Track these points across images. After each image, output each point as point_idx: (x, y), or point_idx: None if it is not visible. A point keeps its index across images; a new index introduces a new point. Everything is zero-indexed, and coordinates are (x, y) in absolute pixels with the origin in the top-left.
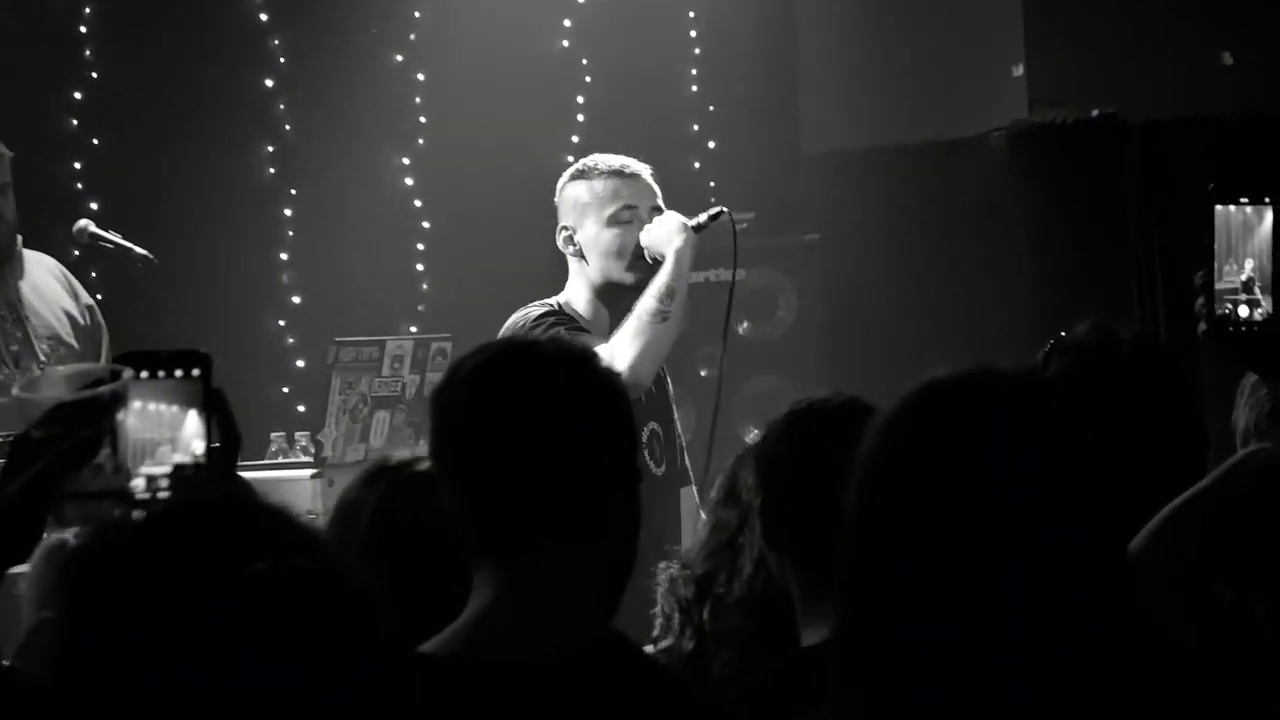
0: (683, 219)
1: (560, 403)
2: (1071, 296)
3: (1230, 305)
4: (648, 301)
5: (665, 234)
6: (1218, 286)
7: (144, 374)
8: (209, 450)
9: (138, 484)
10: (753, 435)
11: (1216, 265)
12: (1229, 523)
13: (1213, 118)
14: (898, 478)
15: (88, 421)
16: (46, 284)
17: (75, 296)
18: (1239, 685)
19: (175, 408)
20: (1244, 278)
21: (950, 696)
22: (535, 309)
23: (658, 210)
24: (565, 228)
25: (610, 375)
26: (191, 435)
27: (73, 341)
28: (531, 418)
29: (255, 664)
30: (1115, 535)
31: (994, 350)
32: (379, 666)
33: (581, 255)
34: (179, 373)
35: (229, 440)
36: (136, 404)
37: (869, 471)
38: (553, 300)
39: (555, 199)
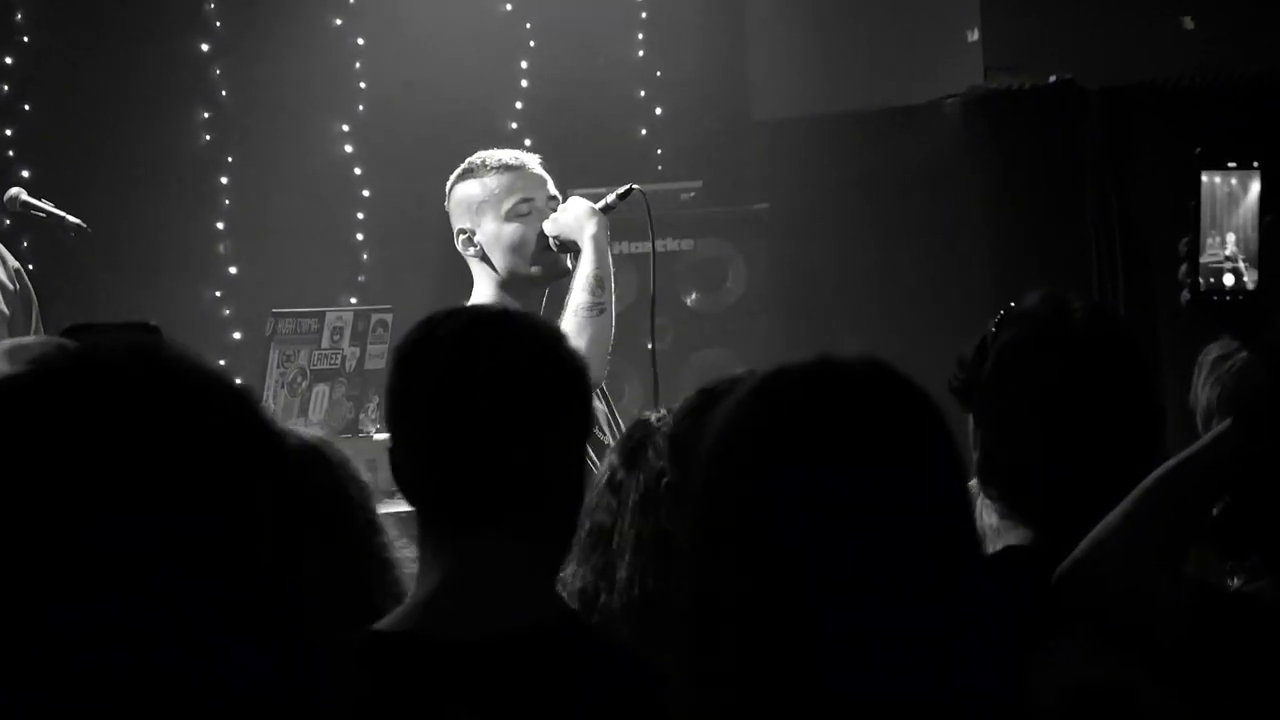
0: (589, 203)
1: (533, 376)
2: (1028, 267)
3: (1213, 275)
4: (580, 296)
5: (575, 221)
6: (1200, 261)
7: None
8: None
9: None
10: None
11: (1201, 233)
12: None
13: (1173, 84)
14: (741, 472)
15: None
16: None
17: (2, 261)
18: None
19: None
20: (1228, 251)
21: (879, 687)
22: None
23: (554, 200)
24: (463, 230)
25: (575, 352)
26: None
27: (2, 307)
28: (503, 390)
29: (153, 634)
30: (964, 530)
31: (948, 322)
32: (290, 642)
33: (483, 256)
34: None
35: None
36: None
37: (712, 464)
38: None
39: (445, 204)
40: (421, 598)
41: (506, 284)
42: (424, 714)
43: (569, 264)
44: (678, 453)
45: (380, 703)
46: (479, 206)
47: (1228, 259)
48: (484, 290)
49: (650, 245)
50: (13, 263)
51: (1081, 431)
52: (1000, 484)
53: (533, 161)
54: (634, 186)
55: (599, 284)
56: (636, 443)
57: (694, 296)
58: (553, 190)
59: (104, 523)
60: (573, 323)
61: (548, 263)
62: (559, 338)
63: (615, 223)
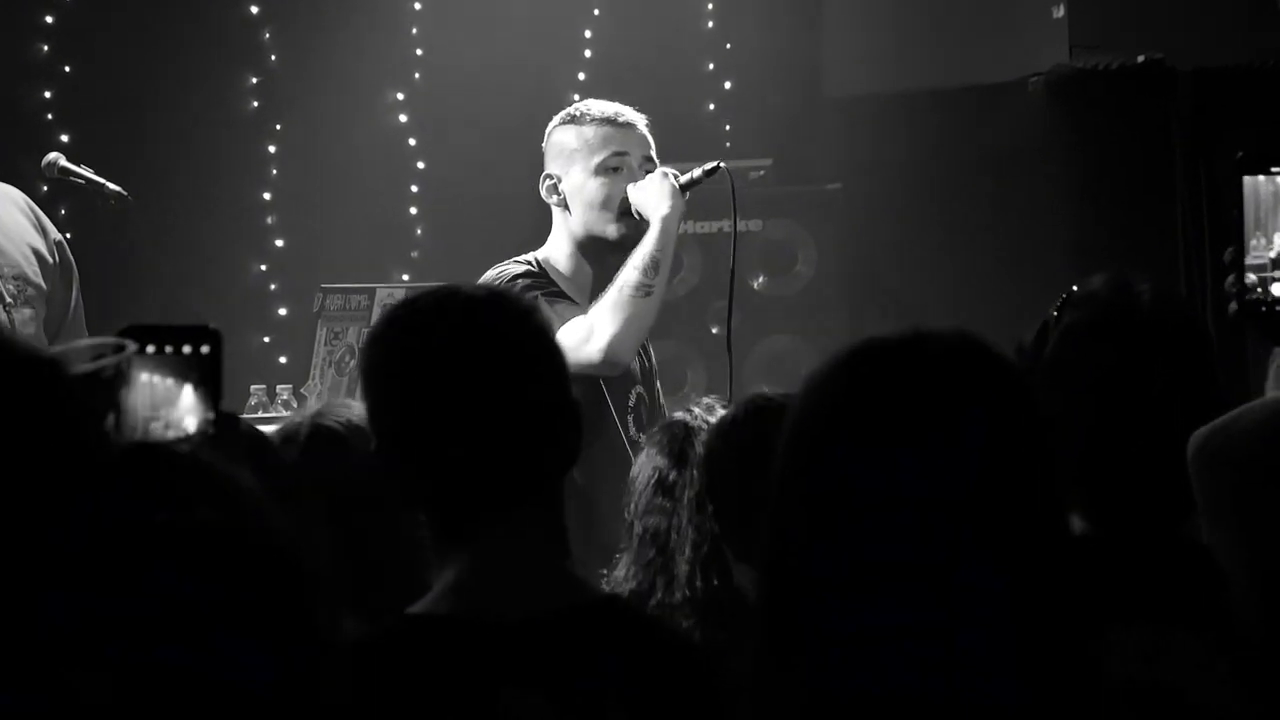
0: (672, 182)
1: (538, 361)
2: (1111, 254)
3: (1260, 283)
4: (630, 273)
5: (654, 197)
6: (1246, 262)
7: (149, 348)
8: (218, 426)
9: None
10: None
11: (1245, 240)
12: None
13: (1268, 67)
14: (821, 446)
15: (89, 397)
16: (11, 219)
17: (43, 232)
18: None
19: (170, 382)
20: (1274, 253)
21: (883, 685)
22: (512, 267)
23: (649, 162)
24: (549, 175)
25: (550, 332)
26: (185, 412)
27: (40, 281)
28: (507, 370)
29: (145, 632)
30: (1058, 520)
31: (1025, 310)
32: (289, 637)
33: (565, 205)
34: (186, 348)
35: (229, 420)
36: (140, 379)
37: (791, 440)
38: (531, 256)
39: (543, 144)
40: (451, 582)
41: (583, 243)
42: (478, 696)
43: (622, 236)
44: (714, 472)
45: (428, 686)
46: (571, 154)
47: (1274, 263)
48: (558, 243)
49: (727, 226)
50: (54, 234)
51: (1140, 419)
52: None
53: (639, 121)
54: (721, 164)
55: (654, 266)
56: (681, 442)
57: (761, 280)
58: (652, 153)
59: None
60: (613, 297)
61: (630, 227)
62: (531, 311)
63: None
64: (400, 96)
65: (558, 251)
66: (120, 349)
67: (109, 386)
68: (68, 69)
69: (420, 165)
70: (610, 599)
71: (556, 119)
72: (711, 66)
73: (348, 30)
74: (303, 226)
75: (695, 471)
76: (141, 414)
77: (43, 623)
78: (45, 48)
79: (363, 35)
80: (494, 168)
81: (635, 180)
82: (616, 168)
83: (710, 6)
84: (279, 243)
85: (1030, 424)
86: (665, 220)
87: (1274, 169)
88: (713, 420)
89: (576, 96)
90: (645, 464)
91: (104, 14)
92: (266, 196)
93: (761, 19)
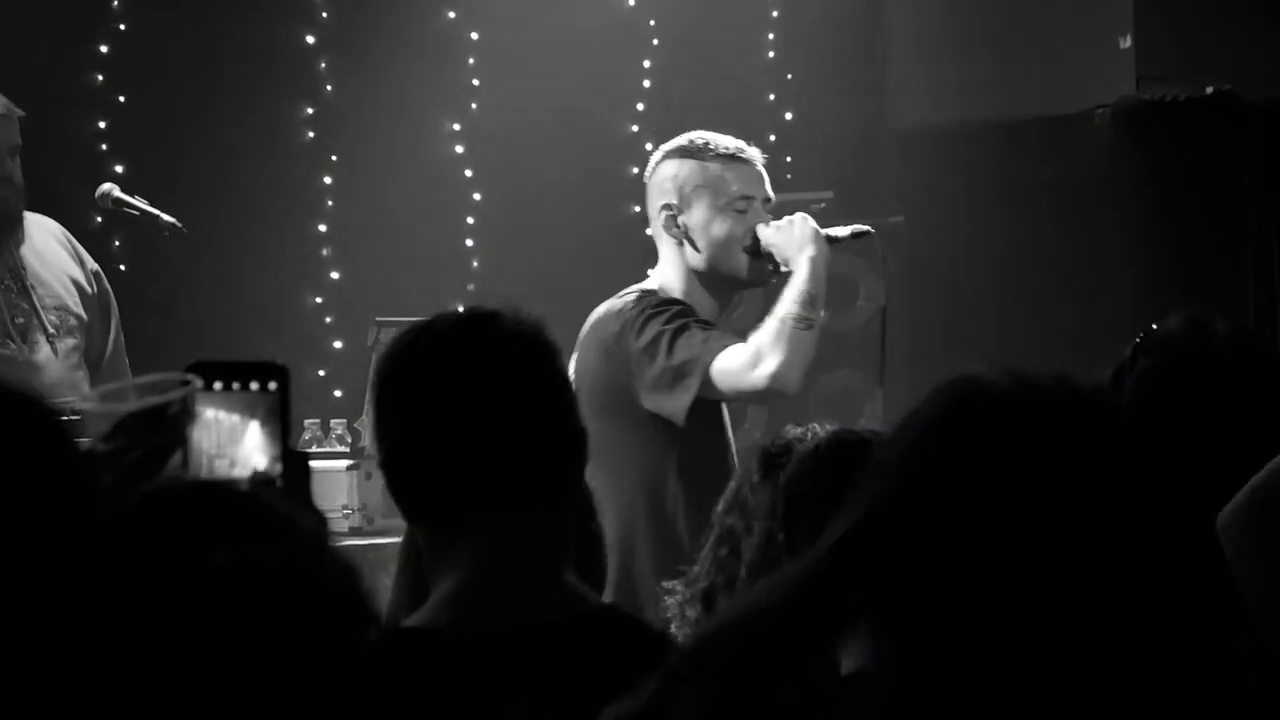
0: (815, 226)
1: (529, 368)
2: (1179, 290)
3: None
4: (790, 306)
5: (797, 240)
6: None
7: (216, 385)
8: (285, 465)
9: None
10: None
11: None
12: None
13: None
14: (922, 490)
15: (155, 434)
16: (50, 250)
17: (81, 262)
18: None
19: (236, 418)
20: None
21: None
22: (637, 294)
23: (768, 202)
24: (668, 207)
25: (554, 346)
26: (251, 450)
27: (81, 311)
28: (519, 381)
29: (208, 663)
30: (1170, 566)
31: (1091, 347)
32: (345, 667)
33: (684, 239)
34: (254, 385)
35: (298, 458)
36: (205, 416)
37: (892, 478)
38: (641, 288)
39: (648, 174)
40: (447, 593)
41: (702, 275)
42: (474, 711)
43: (773, 276)
44: (790, 500)
45: (421, 701)
46: (695, 190)
47: None
48: (673, 275)
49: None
50: (91, 264)
51: (1220, 463)
52: None
53: (758, 158)
54: (870, 230)
55: (812, 302)
56: (776, 453)
57: (822, 313)
58: (769, 191)
59: None
60: (775, 327)
61: (756, 269)
62: (539, 329)
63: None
64: (456, 127)
65: (672, 283)
66: (186, 384)
67: (174, 423)
68: (122, 99)
69: (476, 196)
70: (608, 609)
71: (669, 149)
72: (773, 97)
73: (404, 60)
74: (358, 259)
75: (775, 486)
76: (207, 451)
77: (103, 672)
78: (100, 77)
79: (419, 65)
80: (550, 199)
81: (761, 219)
82: (743, 209)
83: (771, 37)
84: (334, 275)
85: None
86: (813, 261)
87: None
88: (812, 437)
89: (635, 128)
90: (743, 464)
91: (159, 44)
92: (322, 228)
93: (824, 50)
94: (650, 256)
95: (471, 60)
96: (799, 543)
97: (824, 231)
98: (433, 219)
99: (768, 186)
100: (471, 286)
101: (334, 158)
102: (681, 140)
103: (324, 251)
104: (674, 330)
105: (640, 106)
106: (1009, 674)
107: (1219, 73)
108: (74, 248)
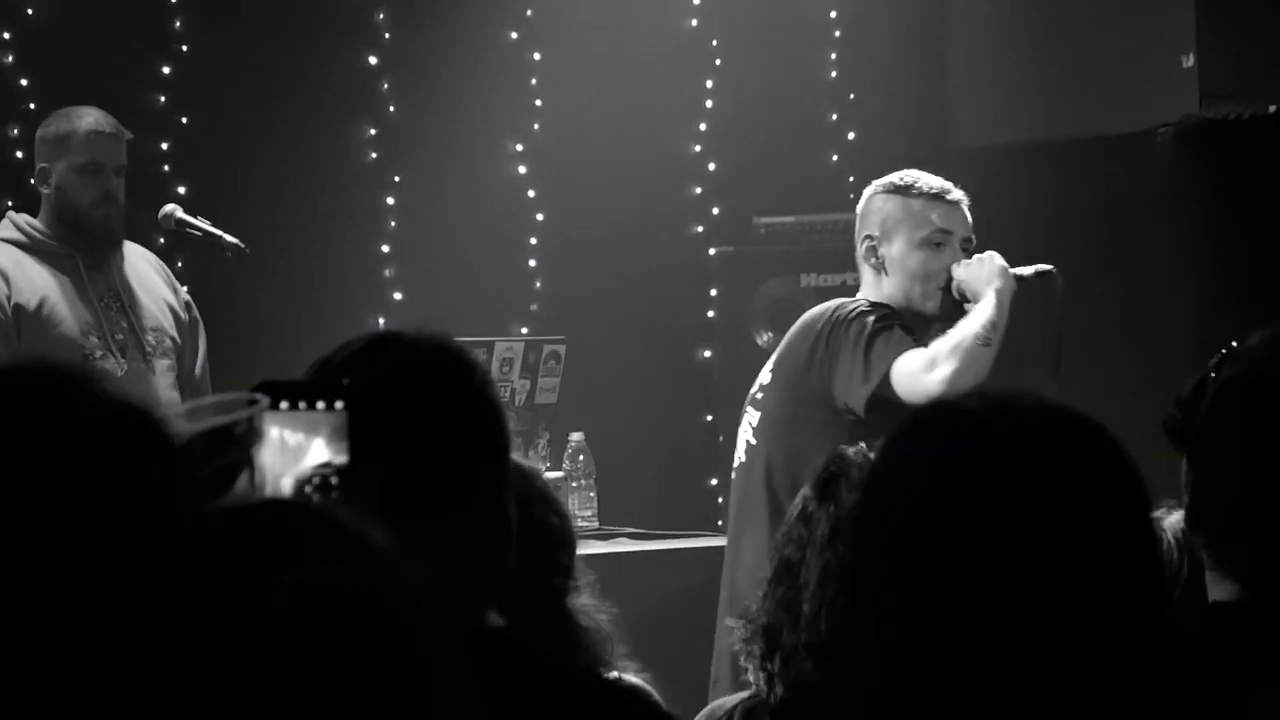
0: (1004, 263)
1: (447, 381)
2: (1242, 310)
3: None
4: (972, 325)
5: (985, 275)
6: None
7: (283, 404)
8: (345, 481)
9: None
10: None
11: None
12: None
13: None
14: (901, 514)
15: (222, 453)
16: (147, 275)
17: (175, 290)
18: None
19: (301, 437)
20: None
21: None
22: (856, 303)
23: (968, 243)
24: (870, 238)
25: (469, 364)
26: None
27: (175, 334)
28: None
29: (277, 685)
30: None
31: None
32: (419, 688)
33: (881, 269)
34: (320, 405)
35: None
36: (271, 435)
37: (869, 504)
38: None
39: (859, 207)
40: None
41: (896, 305)
42: None
43: (960, 314)
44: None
45: None
46: (895, 225)
47: None
48: (868, 296)
49: (850, 279)
50: (184, 294)
51: None
52: (1209, 531)
53: (963, 199)
54: (1053, 270)
55: (993, 326)
56: (830, 474)
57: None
58: (970, 233)
59: None
60: (955, 338)
61: (946, 304)
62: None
63: (805, 254)
64: (519, 147)
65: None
66: (253, 403)
67: (241, 442)
68: (184, 120)
69: (539, 217)
70: (500, 634)
71: (880, 185)
72: (835, 118)
73: (467, 80)
74: (421, 279)
75: (833, 507)
76: (273, 470)
77: (169, 694)
78: (162, 99)
79: (482, 85)
80: (614, 219)
81: (956, 259)
82: (940, 244)
83: (834, 57)
84: (397, 296)
85: (1135, 501)
86: (999, 293)
87: None
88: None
89: (697, 148)
90: (801, 492)
91: (221, 65)
92: (385, 249)
93: (886, 70)
94: (715, 274)
95: (534, 81)
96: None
97: (1012, 271)
98: (495, 239)
99: (968, 226)
100: (534, 307)
101: (396, 178)
102: (893, 177)
103: (387, 272)
104: (875, 328)
105: (703, 127)
106: (979, 675)
107: None
108: (169, 276)
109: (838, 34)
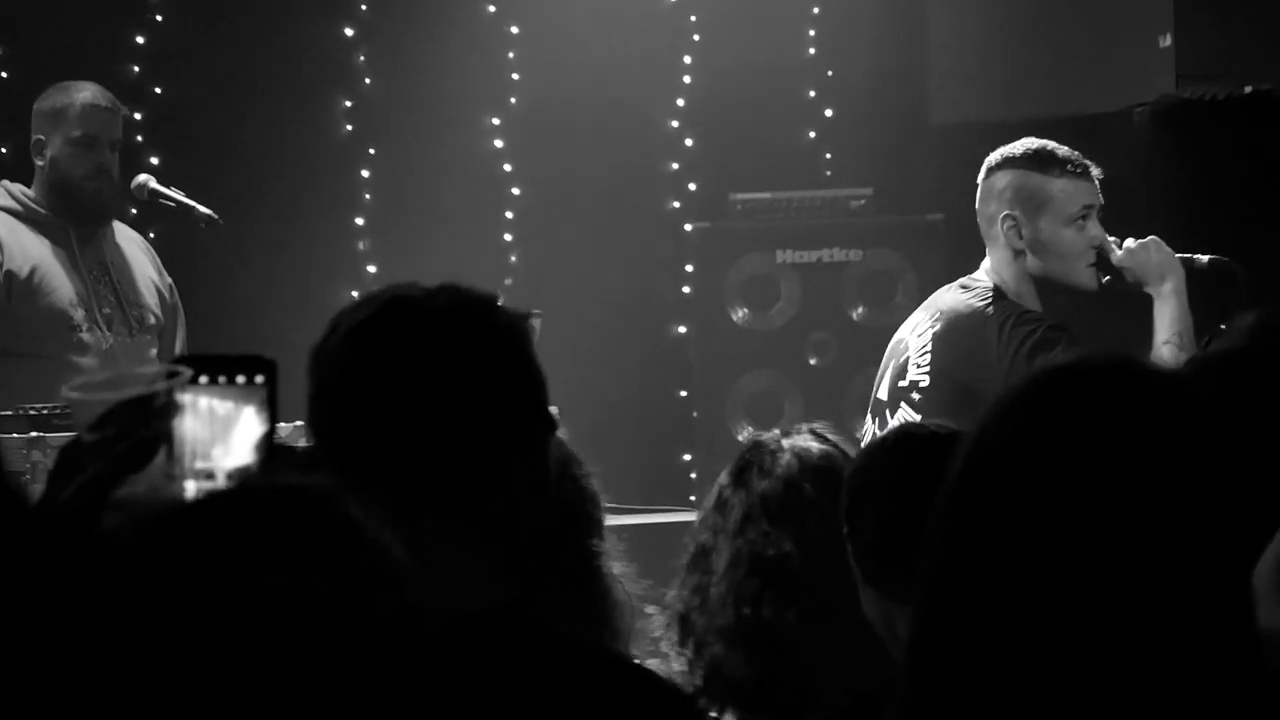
0: (1170, 251)
1: (443, 361)
2: (1219, 289)
3: None
4: (1163, 349)
5: (1155, 266)
6: None
7: (203, 378)
8: (264, 458)
9: (193, 494)
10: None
11: None
12: None
13: None
14: (1009, 476)
15: (143, 424)
16: (135, 254)
17: (160, 272)
18: None
19: (230, 406)
20: None
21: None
22: (989, 294)
23: (1100, 209)
24: (1010, 218)
25: (509, 325)
26: (248, 439)
27: (160, 313)
28: (410, 378)
29: (253, 698)
30: (1245, 560)
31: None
32: (409, 711)
33: (1025, 250)
34: (240, 378)
35: (283, 452)
36: (193, 406)
37: (973, 466)
38: (987, 282)
39: (982, 174)
40: None
41: (1040, 283)
42: None
43: (1101, 285)
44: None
45: None
46: (1040, 205)
47: None
48: (1011, 277)
49: (827, 256)
50: (168, 278)
51: (1267, 465)
52: None
53: (1093, 168)
54: (1230, 262)
55: (1182, 340)
56: (745, 462)
57: (860, 310)
58: (1101, 198)
59: None
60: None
61: (1090, 277)
62: (489, 308)
63: (781, 231)
64: (496, 121)
65: (1008, 283)
66: (173, 376)
67: (162, 414)
68: (159, 90)
69: (515, 191)
70: (509, 610)
71: (1011, 159)
72: (813, 94)
73: (443, 54)
74: (395, 253)
75: (745, 494)
76: (201, 439)
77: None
78: (136, 69)
79: (458, 59)
80: (589, 194)
81: (1097, 230)
82: (1085, 218)
83: (812, 33)
84: (371, 269)
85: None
86: (1177, 292)
87: None
88: (789, 444)
89: (675, 123)
90: (718, 479)
91: (196, 35)
92: (359, 222)
93: (864, 46)
94: (692, 250)
95: (511, 54)
96: (865, 536)
97: (1183, 257)
98: (471, 213)
99: (1100, 195)
100: (509, 281)
101: (372, 151)
102: (1020, 149)
103: (361, 245)
104: (1037, 342)
105: (680, 102)
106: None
107: (1259, 72)
108: (154, 258)
109: (816, 10)
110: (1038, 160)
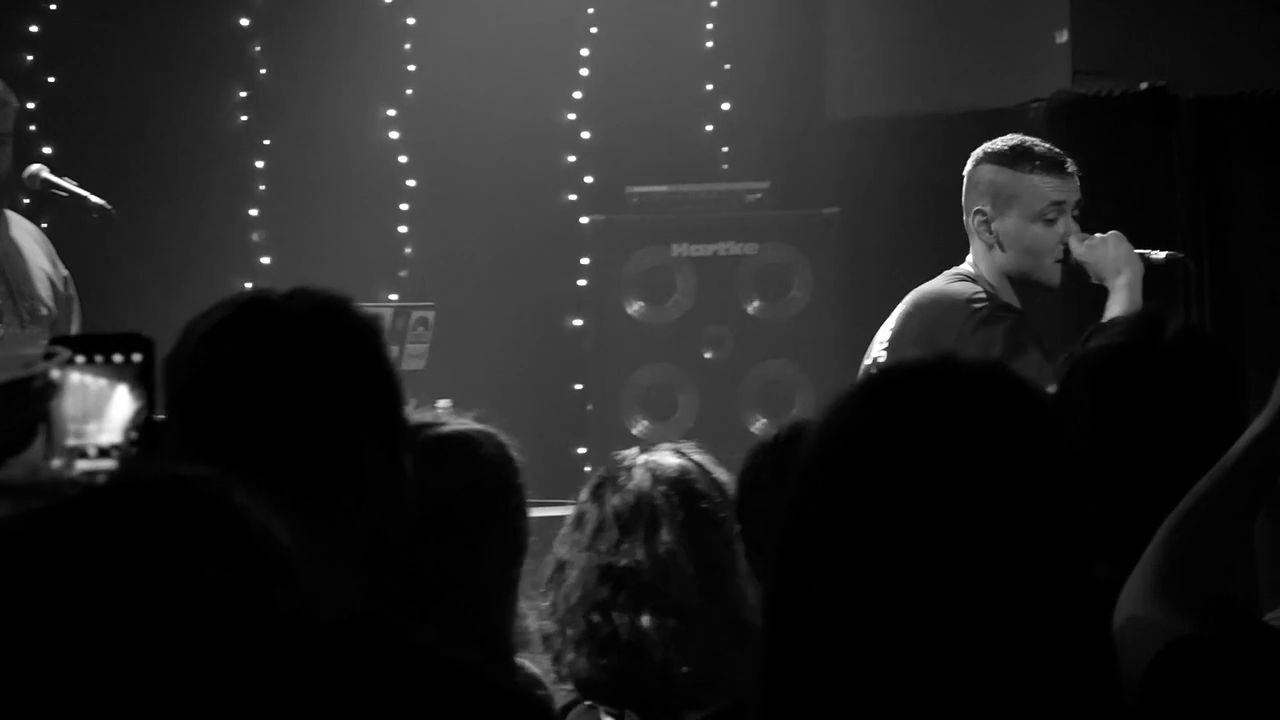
0: (1131, 247)
1: (299, 360)
2: (1167, 285)
3: None
4: None
5: (1114, 262)
6: None
7: (80, 358)
8: (141, 435)
9: (75, 475)
10: (758, 425)
11: None
12: None
13: (1273, 95)
14: (841, 475)
15: (18, 408)
16: (28, 245)
17: (54, 263)
18: None
19: (104, 383)
20: None
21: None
22: (965, 290)
23: (1078, 206)
24: (981, 213)
25: (362, 326)
26: (122, 415)
27: (52, 305)
28: (268, 377)
29: (144, 688)
30: (1083, 554)
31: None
32: (294, 706)
33: (996, 244)
34: (118, 357)
35: (156, 427)
36: (68, 384)
37: (810, 467)
38: (970, 272)
39: (966, 170)
40: None
41: (1012, 278)
42: None
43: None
44: (745, 490)
45: None
46: (1009, 199)
47: None
48: (984, 268)
49: (723, 250)
50: (62, 269)
51: (1149, 452)
52: None
53: (1070, 165)
54: (1184, 259)
55: None
56: (601, 479)
57: (756, 304)
58: (1079, 197)
59: None
60: None
61: (1055, 274)
62: (341, 308)
63: (677, 224)
64: (392, 113)
65: (986, 276)
66: (50, 357)
67: (39, 396)
68: (52, 79)
69: (411, 183)
70: (364, 621)
71: (987, 155)
72: (710, 87)
73: (339, 44)
74: (290, 243)
75: (597, 510)
76: (74, 416)
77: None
78: (29, 58)
79: (355, 50)
80: (485, 186)
81: (1070, 228)
82: (1054, 216)
83: (710, 27)
84: (264, 260)
85: (1058, 462)
86: (1130, 286)
87: None
88: (643, 460)
89: (572, 116)
90: (579, 497)
91: (90, 24)
92: (253, 213)
93: (762, 40)
94: (587, 242)
95: (408, 46)
96: (755, 533)
97: (1140, 253)
98: (366, 204)
99: (1078, 191)
100: (404, 273)
101: (267, 142)
102: (999, 144)
103: (255, 236)
104: (1005, 349)
105: (577, 95)
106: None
107: (1153, 69)
108: (50, 249)
109: (714, 4)
110: (1011, 156)
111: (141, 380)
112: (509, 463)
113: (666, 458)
